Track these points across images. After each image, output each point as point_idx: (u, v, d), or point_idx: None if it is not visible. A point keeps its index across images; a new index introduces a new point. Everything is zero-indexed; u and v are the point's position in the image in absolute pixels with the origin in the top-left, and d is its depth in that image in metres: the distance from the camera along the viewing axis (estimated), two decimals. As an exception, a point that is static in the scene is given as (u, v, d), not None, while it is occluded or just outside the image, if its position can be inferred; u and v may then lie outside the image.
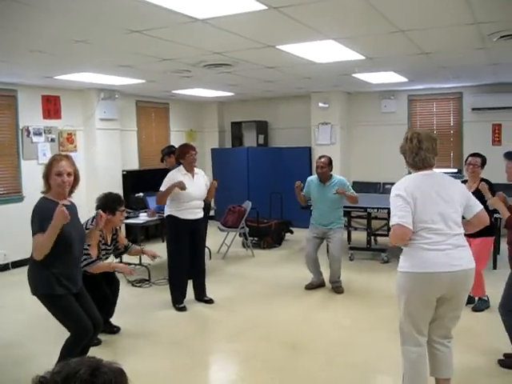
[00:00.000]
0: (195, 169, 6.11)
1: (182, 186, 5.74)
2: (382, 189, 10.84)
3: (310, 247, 6.74)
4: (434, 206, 3.30)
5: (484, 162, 5.76)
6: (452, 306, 3.42)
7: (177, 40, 5.37)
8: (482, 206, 3.49)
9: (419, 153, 3.40)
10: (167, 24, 4.66)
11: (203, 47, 5.82)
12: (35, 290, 3.77)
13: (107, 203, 5.08)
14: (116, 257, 5.91)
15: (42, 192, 3.78)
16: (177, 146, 6.47)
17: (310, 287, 6.81)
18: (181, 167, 5.99)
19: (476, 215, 3.45)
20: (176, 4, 4.07)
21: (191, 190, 5.89)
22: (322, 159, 6.65)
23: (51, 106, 8.89)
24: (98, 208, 4.98)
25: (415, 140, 3.42)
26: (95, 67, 7.04)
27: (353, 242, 9.34)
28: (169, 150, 7.45)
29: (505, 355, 4.40)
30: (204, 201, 6.21)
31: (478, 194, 5.16)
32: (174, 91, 10.01)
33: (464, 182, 5.86)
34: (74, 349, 3.77)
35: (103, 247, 5.06)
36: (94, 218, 4.74)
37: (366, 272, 7.59)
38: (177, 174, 5.92)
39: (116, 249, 5.39)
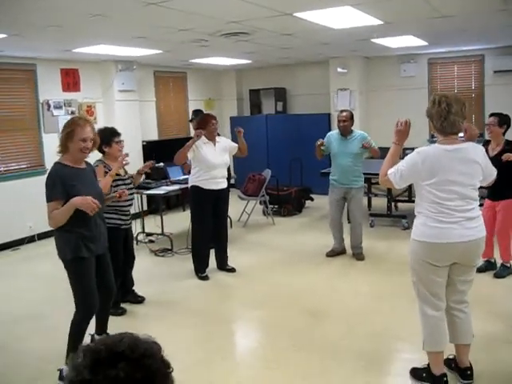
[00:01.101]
0: (217, 137, 6.14)
1: (197, 134, 5.80)
2: (403, 154, 10.69)
3: (335, 211, 6.72)
4: (453, 185, 3.30)
5: (503, 120, 5.60)
6: (462, 271, 3.49)
7: (193, 11, 5.33)
8: (494, 175, 3.58)
9: (448, 117, 3.30)
10: (183, -5, 4.65)
11: (220, 17, 5.78)
12: (64, 255, 3.79)
13: (102, 136, 5.06)
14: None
15: (59, 152, 3.78)
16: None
17: (332, 254, 6.83)
18: (202, 137, 6.02)
19: (491, 179, 3.59)
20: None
21: (213, 158, 5.95)
22: (344, 113, 6.61)
23: (70, 79, 8.93)
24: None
25: (444, 104, 3.31)
26: (112, 39, 7.04)
27: (373, 209, 9.33)
28: (197, 115, 7.43)
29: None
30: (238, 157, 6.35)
31: (498, 160, 5.14)
32: (191, 60, 9.96)
33: (487, 142, 5.77)
34: (81, 326, 3.85)
35: (118, 180, 5.02)
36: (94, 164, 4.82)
37: (387, 239, 7.60)
38: (197, 142, 5.94)
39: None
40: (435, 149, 3.40)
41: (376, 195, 9.44)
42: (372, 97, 11.42)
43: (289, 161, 10.49)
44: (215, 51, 8.68)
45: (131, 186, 5.25)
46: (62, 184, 3.63)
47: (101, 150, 5.01)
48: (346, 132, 6.57)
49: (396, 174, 3.42)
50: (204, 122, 6.04)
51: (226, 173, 6.20)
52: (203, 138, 5.97)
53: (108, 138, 5.03)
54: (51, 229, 3.88)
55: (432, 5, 5.58)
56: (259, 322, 5.06)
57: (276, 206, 9.54)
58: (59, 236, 3.82)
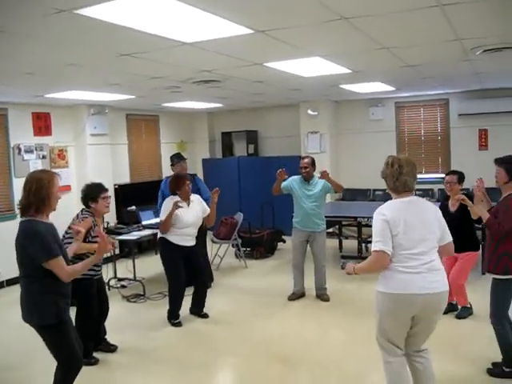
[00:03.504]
0: (191, 196, 6.15)
1: (177, 204, 5.79)
2: (372, 195, 10.97)
3: (298, 255, 6.85)
4: (414, 233, 3.44)
5: (461, 177, 5.85)
6: (425, 325, 3.58)
7: (165, 61, 5.46)
8: (451, 239, 3.63)
9: (400, 177, 3.54)
10: (155, 48, 4.75)
11: (192, 67, 5.91)
12: (41, 320, 3.57)
13: (89, 192, 5.07)
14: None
15: (29, 214, 3.53)
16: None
17: (294, 298, 6.93)
18: (175, 197, 6.01)
19: (444, 246, 3.60)
20: (164, 30, 4.15)
21: (186, 217, 5.96)
22: (306, 159, 6.78)
23: (42, 123, 8.94)
24: (82, 200, 5.08)
25: (396, 165, 3.56)
26: (85, 86, 7.11)
27: (344, 251, 9.42)
28: (179, 158, 7.41)
29: (493, 364, 4.50)
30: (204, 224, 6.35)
31: (461, 213, 5.35)
32: (163, 104, 10.08)
33: (447, 198, 6.00)
34: (67, 381, 3.72)
35: (97, 236, 4.98)
36: (81, 213, 4.95)
37: (357, 281, 7.62)
38: (171, 202, 5.89)
39: None
40: (392, 202, 3.62)
41: (347, 237, 9.55)
42: (342, 139, 11.65)
43: (261, 203, 10.56)
44: (187, 96, 8.80)
45: None
46: (55, 241, 3.55)
47: (87, 205, 5.02)
48: (308, 178, 6.72)
49: (377, 244, 3.45)
50: (178, 185, 6.06)
51: (196, 232, 6.18)
52: (177, 198, 5.98)
53: (95, 193, 5.05)
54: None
55: (398, 56, 5.80)
56: (233, 369, 5.04)
57: (248, 249, 9.57)
58: (35, 297, 3.58)
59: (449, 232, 3.63)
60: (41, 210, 3.55)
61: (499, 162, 4.46)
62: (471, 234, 5.36)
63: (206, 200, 6.46)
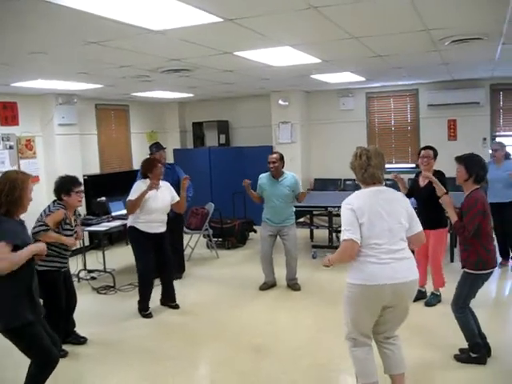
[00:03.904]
0: (160, 182, 6.10)
1: (151, 186, 5.76)
2: (343, 185, 11.04)
3: (266, 246, 6.88)
4: (381, 223, 3.45)
5: (435, 153, 5.99)
6: (396, 314, 3.61)
7: (133, 49, 5.38)
8: (421, 228, 3.64)
9: (368, 169, 3.56)
10: (123, 35, 4.68)
11: (161, 55, 5.85)
12: (3, 325, 3.49)
13: (62, 185, 4.99)
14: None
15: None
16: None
17: (265, 287, 6.96)
18: (146, 180, 5.97)
19: (415, 235, 3.60)
20: (131, 17, 4.09)
21: (154, 202, 5.90)
22: (274, 155, 6.77)
23: (8, 113, 8.75)
24: (54, 191, 5.00)
25: (364, 157, 3.58)
26: (52, 75, 7.00)
27: (315, 240, 9.48)
28: (158, 147, 7.33)
29: (460, 350, 4.58)
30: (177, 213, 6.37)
31: (431, 188, 5.42)
32: (133, 94, 9.97)
33: (418, 174, 6.07)
34: (42, 381, 3.65)
35: (66, 227, 4.93)
36: (52, 204, 4.88)
37: (328, 270, 7.67)
38: (142, 185, 5.90)
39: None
40: (360, 192, 3.63)
41: (318, 227, 9.60)
42: (313, 129, 11.70)
43: (232, 193, 10.55)
44: (157, 85, 8.72)
45: (74, 232, 5.14)
46: (16, 233, 3.50)
47: (59, 198, 4.94)
48: (276, 174, 6.71)
49: (345, 233, 3.46)
50: (150, 166, 6.00)
51: (166, 217, 6.13)
52: (147, 181, 5.94)
53: (68, 186, 4.96)
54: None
55: (367, 46, 5.82)
56: (204, 360, 5.04)
57: (220, 239, 9.55)
58: None
59: (419, 221, 3.64)
60: (11, 212, 3.53)
61: (459, 159, 4.51)
62: (440, 209, 5.36)
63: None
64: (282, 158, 6.77)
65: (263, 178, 6.83)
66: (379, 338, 3.74)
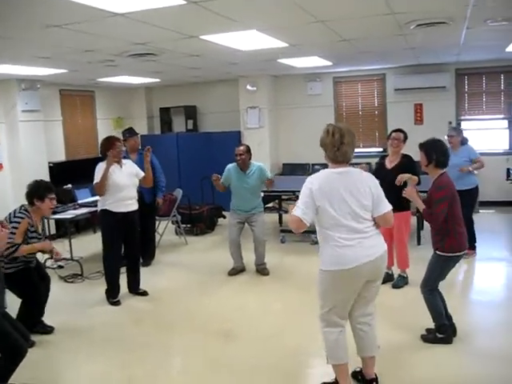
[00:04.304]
0: (123, 160, 6.07)
1: (110, 161, 5.72)
2: (312, 170, 11.07)
3: (234, 233, 6.90)
4: (344, 205, 3.42)
5: (406, 137, 6.03)
6: (373, 284, 3.63)
7: (97, 33, 5.28)
8: (389, 208, 3.59)
9: (341, 147, 3.46)
10: (86, 18, 4.58)
11: (125, 39, 5.75)
12: None
13: (36, 190, 4.92)
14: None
15: None
16: (105, 136, 6.30)
17: (234, 273, 6.98)
18: (108, 159, 5.90)
19: (382, 216, 3.55)
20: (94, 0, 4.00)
21: (120, 179, 5.85)
22: (241, 147, 6.79)
23: (-31, 99, 8.54)
24: (27, 194, 4.90)
25: (337, 134, 3.46)
26: (13, 60, 6.82)
27: (284, 225, 9.48)
28: (131, 133, 7.32)
29: (427, 330, 4.65)
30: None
31: (398, 170, 5.46)
32: (99, 79, 9.80)
33: (384, 157, 6.11)
34: (10, 371, 3.65)
35: (33, 235, 4.87)
36: (18, 209, 4.79)
37: (296, 254, 7.78)
38: (104, 166, 5.80)
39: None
40: (325, 172, 3.55)
41: (286, 211, 9.60)
42: (281, 114, 11.69)
43: (200, 179, 10.48)
44: (123, 70, 8.59)
45: (42, 240, 5.08)
46: None
47: (31, 202, 4.84)
48: (244, 166, 6.73)
49: (298, 209, 3.42)
50: (109, 144, 5.91)
51: (136, 194, 6.11)
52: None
53: (42, 192, 4.89)
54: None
55: (333, 30, 5.81)
56: (174, 346, 5.01)
57: (188, 225, 9.51)
58: None
59: (387, 202, 3.58)
60: None
61: (420, 146, 4.56)
62: None
63: (157, 177, 7.00)
64: (248, 150, 6.79)
65: (231, 169, 6.82)
66: (356, 316, 3.72)
